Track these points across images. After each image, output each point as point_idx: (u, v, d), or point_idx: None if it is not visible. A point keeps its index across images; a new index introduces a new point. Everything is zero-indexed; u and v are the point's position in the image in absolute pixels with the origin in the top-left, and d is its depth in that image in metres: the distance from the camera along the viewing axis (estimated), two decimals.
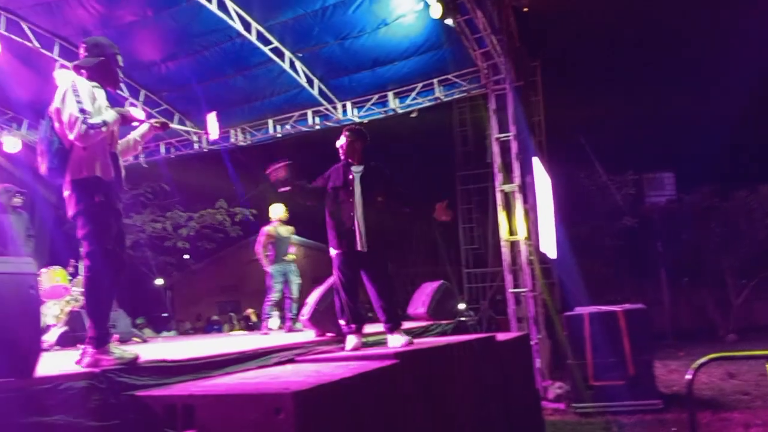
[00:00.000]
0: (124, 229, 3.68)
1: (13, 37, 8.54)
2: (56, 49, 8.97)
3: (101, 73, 3.55)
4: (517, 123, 9.23)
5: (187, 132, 11.65)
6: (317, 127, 11.29)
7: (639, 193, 18.64)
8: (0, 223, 6.75)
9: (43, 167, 3.39)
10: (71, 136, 3.27)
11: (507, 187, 9.28)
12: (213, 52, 9.63)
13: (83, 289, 3.39)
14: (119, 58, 3.67)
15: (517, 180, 9.20)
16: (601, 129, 18.17)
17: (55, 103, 3.36)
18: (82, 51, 3.62)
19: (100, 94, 3.45)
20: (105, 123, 3.33)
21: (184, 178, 17.83)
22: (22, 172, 10.78)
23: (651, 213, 19.01)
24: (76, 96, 3.30)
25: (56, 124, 3.36)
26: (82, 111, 3.26)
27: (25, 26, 8.66)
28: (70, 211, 3.40)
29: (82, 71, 3.53)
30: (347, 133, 5.01)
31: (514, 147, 9.18)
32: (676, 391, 8.72)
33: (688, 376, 3.83)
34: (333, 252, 4.87)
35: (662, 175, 19.15)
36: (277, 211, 8.48)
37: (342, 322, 4.85)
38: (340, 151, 4.97)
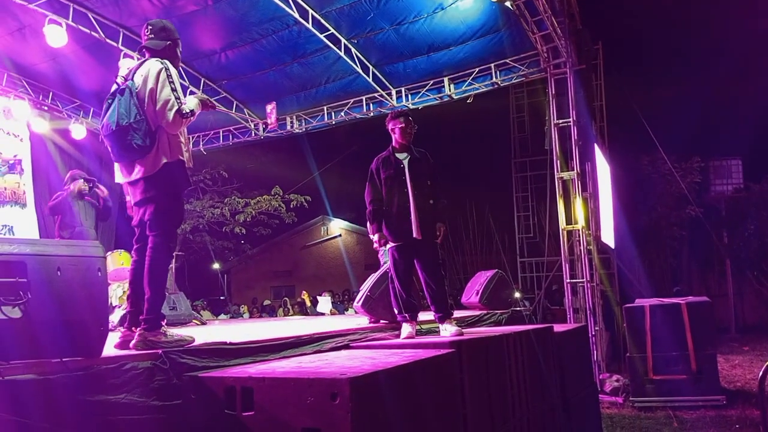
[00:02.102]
0: None
1: (81, 27, 8.82)
2: (120, 39, 9.22)
3: (167, 57, 3.55)
4: (577, 108, 8.99)
5: (245, 120, 11.87)
6: (372, 114, 11.29)
7: (704, 181, 17.95)
8: (69, 207, 7.03)
9: (131, 143, 3.26)
10: (162, 122, 3.32)
11: (566, 175, 9.07)
12: (270, 41, 9.71)
13: (146, 272, 3.38)
14: (180, 43, 3.71)
15: (577, 167, 8.98)
16: (666, 114, 17.54)
17: (149, 84, 3.34)
18: (147, 32, 3.62)
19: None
20: (193, 112, 3.41)
21: (241, 165, 18.23)
22: (88, 159, 11.20)
23: (717, 202, 18.30)
24: (171, 82, 3.34)
25: (145, 104, 3.33)
26: (178, 99, 3.32)
27: (91, 17, 8.93)
28: (150, 192, 3.36)
29: (146, 53, 3.57)
30: (408, 117, 4.95)
31: (573, 133, 8.96)
32: (739, 387, 8.43)
33: (761, 374, 3.66)
34: (389, 243, 4.83)
35: (729, 162, 18.37)
36: None
37: (396, 311, 4.85)
38: (399, 134, 4.89)
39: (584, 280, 8.87)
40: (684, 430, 6.35)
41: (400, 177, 4.81)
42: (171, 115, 3.29)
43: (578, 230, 8.98)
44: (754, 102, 17.99)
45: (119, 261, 7.26)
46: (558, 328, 5.55)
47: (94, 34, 8.99)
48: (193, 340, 3.34)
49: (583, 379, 5.95)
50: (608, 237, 11.28)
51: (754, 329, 16.26)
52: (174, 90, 3.33)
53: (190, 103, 3.46)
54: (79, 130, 10.91)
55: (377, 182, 4.88)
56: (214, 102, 3.74)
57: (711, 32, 19.88)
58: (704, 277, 18.90)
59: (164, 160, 3.35)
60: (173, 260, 8.16)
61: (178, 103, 3.31)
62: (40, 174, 10.39)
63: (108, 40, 9.14)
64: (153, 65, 3.40)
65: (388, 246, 4.87)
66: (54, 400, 2.44)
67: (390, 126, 4.94)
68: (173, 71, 3.43)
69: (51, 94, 10.96)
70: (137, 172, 3.39)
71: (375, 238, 4.86)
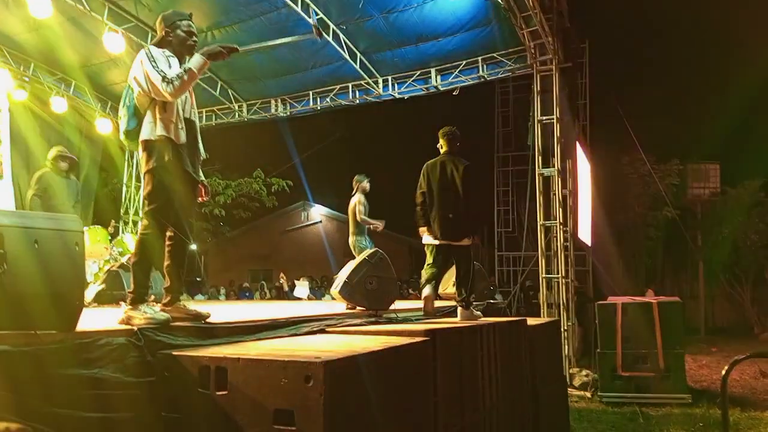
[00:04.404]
0: (195, 198, 3.77)
1: None
2: (105, 13, 9.09)
3: (168, 44, 3.66)
4: (561, 106, 9.06)
5: (229, 101, 11.75)
6: (357, 101, 11.28)
7: (682, 184, 18.21)
8: (50, 184, 6.91)
9: (121, 130, 3.64)
10: (162, 97, 3.42)
11: (546, 171, 9.15)
12: (258, 22, 9.63)
13: (135, 246, 3.50)
14: (184, 23, 3.72)
15: (558, 164, 9.07)
16: (648, 116, 17.71)
17: (132, 73, 3.52)
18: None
19: (174, 63, 3.54)
20: (185, 70, 3.43)
21: (223, 146, 18.08)
22: (69, 132, 11.05)
23: (693, 205, 18.59)
24: (152, 61, 3.43)
25: (136, 90, 3.51)
26: (161, 71, 3.39)
27: None
28: (143, 170, 3.57)
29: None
30: None
31: (556, 130, 9.03)
32: (705, 386, 8.62)
33: (724, 372, 3.76)
34: (469, 241, 5.45)
35: (707, 166, 18.62)
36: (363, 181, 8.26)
37: (469, 296, 5.42)
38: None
39: (559, 275, 8.99)
40: (649, 426, 6.48)
41: None
42: (161, 87, 3.37)
43: (556, 226, 9.09)
44: (736, 108, 18.27)
45: (96, 237, 7.21)
46: (531, 321, 5.63)
47: (78, 6, 8.85)
48: (171, 320, 3.34)
49: (553, 373, 6.05)
50: (585, 234, 11.43)
51: (723, 331, 16.59)
52: (155, 65, 3.41)
53: (191, 61, 3.50)
54: (59, 103, 10.75)
55: None
56: (231, 45, 3.69)
57: (697, 38, 20.11)
58: (677, 278, 19.23)
59: (143, 138, 3.50)
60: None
61: (161, 74, 3.38)
62: (19, 146, 10.22)
63: (93, 14, 9.01)
64: (137, 56, 3.57)
65: (469, 242, 5.44)
66: (26, 373, 2.44)
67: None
68: (156, 50, 3.53)
69: (32, 65, 10.78)
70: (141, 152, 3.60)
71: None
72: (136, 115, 3.56)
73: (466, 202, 5.34)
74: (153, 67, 3.41)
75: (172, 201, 3.49)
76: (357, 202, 8.26)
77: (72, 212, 7.14)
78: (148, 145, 3.48)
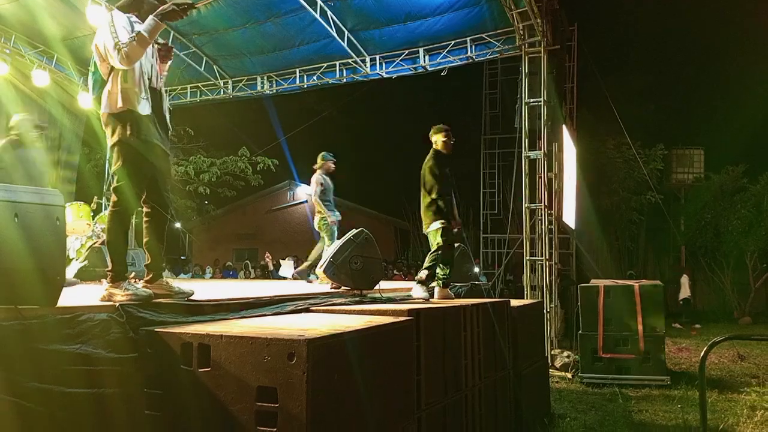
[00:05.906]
0: (167, 170, 3.70)
1: None
2: None
3: (134, 8, 3.57)
4: (548, 88, 9.05)
5: (214, 77, 11.61)
6: (344, 80, 11.19)
7: (666, 169, 18.36)
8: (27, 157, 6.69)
9: (88, 98, 3.57)
10: (115, 65, 3.33)
11: (532, 154, 9.17)
12: None
13: (107, 223, 3.45)
14: None
15: (544, 147, 9.08)
16: (634, 101, 17.78)
17: (95, 40, 3.44)
18: None
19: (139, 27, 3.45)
20: (137, 32, 3.33)
21: (208, 123, 17.91)
22: (52, 106, 10.86)
23: (677, 189, 18.77)
24: (111, 29, 3.34)
25: (99, 59, 3.45)
26: (115, 37, 3.31)
27: None
28: (108, 144, 3.50)
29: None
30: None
31: (543, 113, 9.03)
32: (684, 369, 8.75)
33: (702, 354, 3.82)
34: (438, 226, 5.63)
35: (692, 151, 18.78)
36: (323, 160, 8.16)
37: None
38: (448, 146, 5.76)
39: (543, 258, 9.05)
40: (628, 407, 6.58)
41: (451, 180, 5.80)
42: (116, 55, 3.30)
43: (541, 209, 9.12)
44: (721, 94, 18.40)
45: (79, 213, 7.12)
46: (514, 302, 5.68)
47: None
48: (153, 296, 3.33)
49: (535, 353, 6.12)
50: (569, 218, 11.50)
51: (704, 315, 16.82)
52: (113, 32, 3.33)
53: (142, 25, 3.38)
54: (41, 77, 10.55)
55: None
56: (186, 2, 3.52)
57: (684, 25, 20.16)
58: (659, 262, 19.45)
59: (107, 110, 3.42)
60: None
61: (115, 39, 3.31)
62: (0, 120, 10.06)
63: None
64: (101, 24, 3.52)
65: (440, 226, 5.54)
66: (7, 348, 2.41)
67: (444, 137, 5.78)
68: (119, 17, 3.43)
69: (13, 37, 10.55)
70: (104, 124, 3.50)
71: (446, 224, 5.61)
72: (99, 84, 3.49)
73: (426, 191, 5.66)
74: (111, 32, 3.32)
75: (141, 175, 3.42)
76: (314, 181, 8.16)
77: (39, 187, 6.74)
78: (112, 118, 3.39)
